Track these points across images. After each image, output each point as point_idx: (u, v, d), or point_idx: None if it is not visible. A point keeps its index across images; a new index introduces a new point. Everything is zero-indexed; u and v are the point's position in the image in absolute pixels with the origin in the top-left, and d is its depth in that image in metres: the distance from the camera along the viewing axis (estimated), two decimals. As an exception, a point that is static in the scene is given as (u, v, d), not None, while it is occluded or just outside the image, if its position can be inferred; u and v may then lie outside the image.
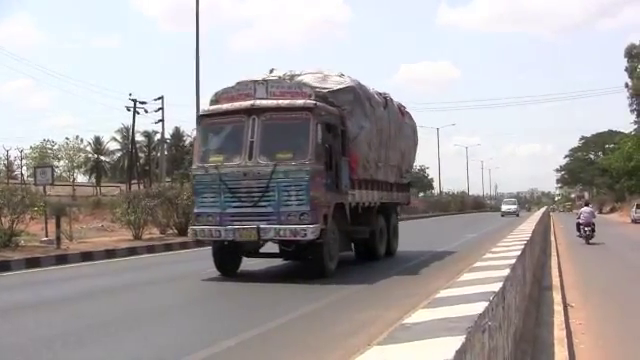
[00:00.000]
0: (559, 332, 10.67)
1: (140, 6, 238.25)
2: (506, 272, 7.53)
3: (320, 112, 18.89)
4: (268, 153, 18.60)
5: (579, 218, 39.03)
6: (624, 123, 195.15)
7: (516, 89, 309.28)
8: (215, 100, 20.05)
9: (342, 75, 21.51)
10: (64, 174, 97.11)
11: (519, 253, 10.65)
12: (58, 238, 27.57)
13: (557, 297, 14.61)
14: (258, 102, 18.96)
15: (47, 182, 30.97)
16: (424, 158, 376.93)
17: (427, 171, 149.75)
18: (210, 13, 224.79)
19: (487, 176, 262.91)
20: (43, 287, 18.67)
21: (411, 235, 37.80)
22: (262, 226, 18.12)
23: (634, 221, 64.62)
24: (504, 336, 6.45)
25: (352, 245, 23.18)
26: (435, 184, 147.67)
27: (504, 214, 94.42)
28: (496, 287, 6.19)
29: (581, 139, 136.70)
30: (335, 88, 20.62)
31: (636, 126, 72.21)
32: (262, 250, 20.95)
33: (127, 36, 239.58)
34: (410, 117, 28.77)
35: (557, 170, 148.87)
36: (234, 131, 19.30)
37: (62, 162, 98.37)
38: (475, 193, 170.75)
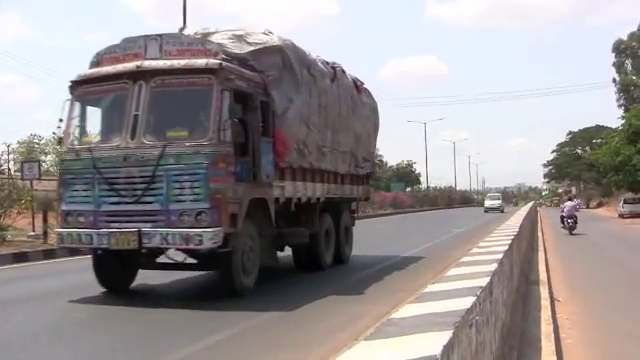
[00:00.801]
0: (546, 327, 10.71)
1: (129, 1, 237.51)
2: (493, 267, 7.54)
3: (228, 75, 14.41)
4: (157, 131, 14.37)
5: (563, 211, 43.30)
6: (611, 118, 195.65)
7: (504, 84, 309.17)
8: (96, 62, 15.34)
9: (269, 33, 17.08)
10: (51, 169, 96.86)
11: (506, 248, 10.69)
12: (45, 233, 27.47)
13: (544, 292, 14.65)
14: (147, 63, 14.59)
15: (34, 177, 30.67)
16: (411, 153, 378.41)
17: (414, 166, 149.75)
18: (197, 7, 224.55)
19: (474, 171, 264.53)
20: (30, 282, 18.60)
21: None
22: (145, 229, 13.69)
23: (621, 216, 64.96)
24: (491, 331, 6.46)
25: (291, 252, 19.69)
26: (422, 179, 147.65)
27: (487, 210, 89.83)
28: (483, 282, 6.20)
29: (568, 134, 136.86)
30: (257, 48, 16.46)
31: (623, 121, 72.12)
32: (164, 258, 15.82)
33: (115, 31, 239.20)
34: (369, 95, 23.96)
35: (544, 165, 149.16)
36: (115, 102, 15.11)
37: (49, 157, 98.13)
38: (462, 188, 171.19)
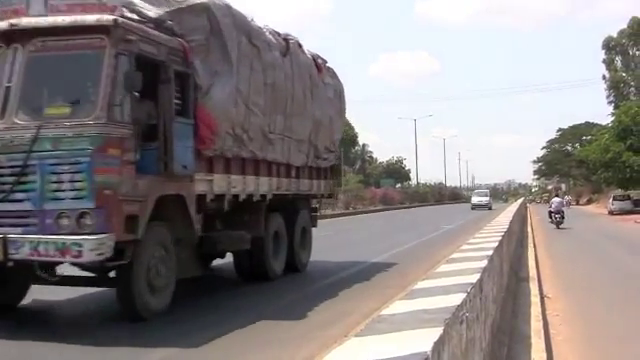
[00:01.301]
0: (536, 323, 10.73)
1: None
2: (483, 263, 7.55)
3: (126, 36, 11.44)
4: (34, 107, 11.49)
5: (551, 207, 46.47)
6: (601, 115, 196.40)
7: (494, 80, 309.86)
8: None
9: None
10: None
11: (496, 244, 10.69)
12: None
13: (534, 288, 14.68)
14: (25, 21, 11.46)
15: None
16: (401, 149, 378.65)
17: (404, 162, 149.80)
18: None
19: (464, 167, 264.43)
20: None
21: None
22: (12, 236, 10.62)
23: (610, 213, 65.08)
24: (481, 327, 6.47)
25: (232, 259, 17.15)
26: (412, 175, 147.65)
27: (475, 207, 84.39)
28: (474, 278, 6.20)
29: (558, 131, 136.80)
30: (177, 7, 13.22)
31: (613, 118, 72.32)
32: (65, 270, 12.64)
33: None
34: (333, 75, 20.77)
35: (534, 162, 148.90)
36: None
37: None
38: (452, 184, 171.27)
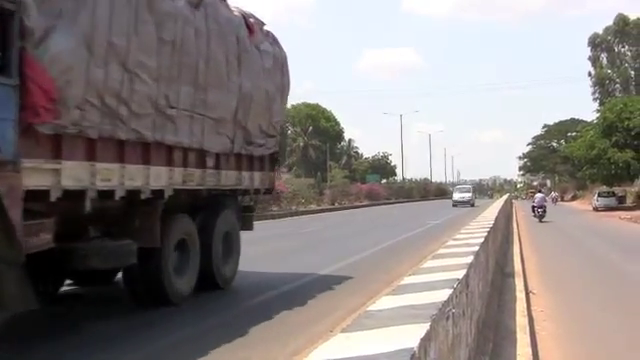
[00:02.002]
0: (521, 319, 10.75)
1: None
2: (469, 259, 7.55)
3: None
4: None
5: (534, 202, 50.06)
6: (587, 111, 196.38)
7: (480, 76, 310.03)
8: None
9: None
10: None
11: (482, 240, 10.70)
12: None
13: (519, 284, 14.71)
14: None
15: None
16: (387, 144, 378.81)
17: (390, 158, 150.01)
18: None
19: (450, 163, 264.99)
20: None
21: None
22: None
23: (595, 209, 65.38)
24: (467, 323, 6.48)
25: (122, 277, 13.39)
26: (398, 171, 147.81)
27: (456, 204, 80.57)
28: (460, 274, 6.20)
29: (544, 127, 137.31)
30: None
31: (598, 114, 72.59)
32: None
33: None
34: (274, 42, 17.21)
35: (519, 158, 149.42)
36: None
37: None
38: (438, 180, 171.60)
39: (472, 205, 78.12)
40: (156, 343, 10.06)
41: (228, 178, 15.08)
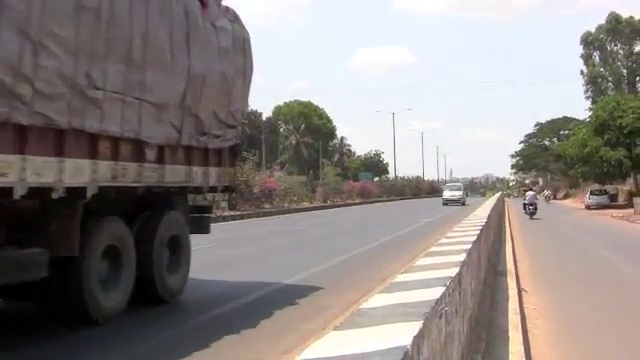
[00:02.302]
0: (513, 317, 10.75)
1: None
2: (462, 257, 7.54)
3: None
4: None
5: (525, 200, 52.06)
6: (579, 110, 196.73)
7: (472, 75, 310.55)
8: None
9: None
10: None
11: (475, 238, 10.70)
12: None
13: (511, 282, 14.72)
14: None
15: None
16: (379, 142, 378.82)
17: (383, 156, 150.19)
18: None
19: (442, 161, 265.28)
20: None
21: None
22: None
23: (587, 207, 65.57)
24: (460, 321, 6.47)
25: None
26: (390, 169, 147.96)
27: (447, 202, 77.28)
28: (452, 272, 6.19)
29: (536, 125, 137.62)
30: None
31: (591, 113, 72.73)
32: None
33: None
34: (235, 18, 15.19)
35: (512, 156, 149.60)
36: None
37: None
38: (430, 178, 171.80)
39: (463, 204, 76.07)
40: (146, 342, 10.05)
41: (175, 174, 12.80)
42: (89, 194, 10.35)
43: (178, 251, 13.64)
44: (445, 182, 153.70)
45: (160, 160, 12.21)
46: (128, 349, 9.58)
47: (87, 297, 10.69)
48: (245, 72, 15.27)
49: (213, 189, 15.34)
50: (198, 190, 14.73)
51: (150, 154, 11.91)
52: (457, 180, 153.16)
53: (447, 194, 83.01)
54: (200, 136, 13.55)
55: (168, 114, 12.23)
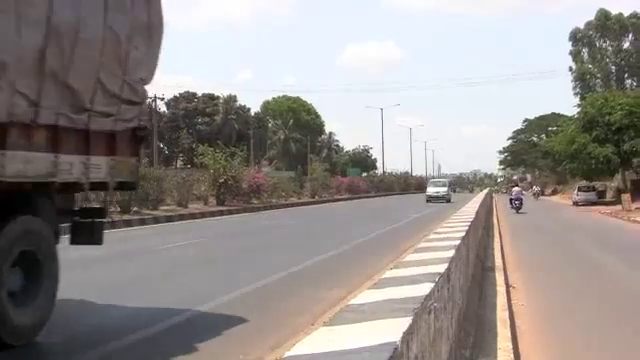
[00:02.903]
0: (502, 313, 10.78)
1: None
2: (451, 253, 7.55)
3: None
4: None
5: (511, 195, 55.94)
6: (567, 106, 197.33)
7: (461, 71, 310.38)
8: None
9: None
10: None
11: (463, 234, 10.71)
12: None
13: (500, 278, 14.75)
14: None
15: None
16: (368, 138, 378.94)
17: (371, 151, 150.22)
18: None
19: (430, 157, 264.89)
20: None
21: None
22: None
23: (575, 204, 65.74)
24: (448, 317, 6.48)
25: None
26: (379, 164, 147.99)
27: (430, 199, 72.35)
28: (441, 268, 6.20)
29: (524, 121, 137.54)
30: None
31: (579, 109, 72.81)
32: None
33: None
34: None
35: (500, 152, 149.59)
36: None
37: None
38: (419, 174, 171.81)
39: (448, 201, 70.81)
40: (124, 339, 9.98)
41: (25, 164, 9.08)
42: None
43: (34, 273, 9.76)
44: (433, 178, 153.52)
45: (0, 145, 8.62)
46: None
47: None
48: (150, 31, 11.56)
49: (102, 186, 11.49)
50: (74, 188, 10.74)
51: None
52: (445, 176, 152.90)
53: (431, 190, 77.18)
54: (75, 113, 9.94)
55: (8, 78, 8.56)
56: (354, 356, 3.13)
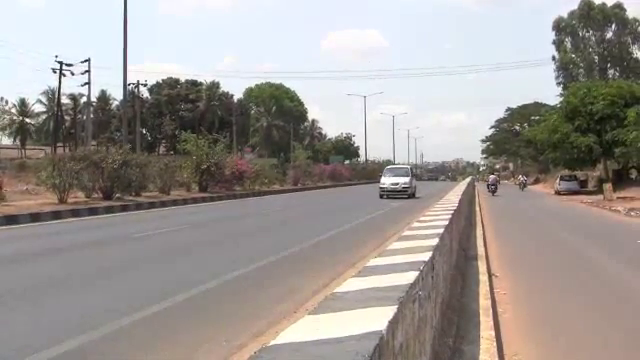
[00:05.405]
0: (484, 301, 10.79)
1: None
2: (435, 241, 7.54)
3: None
4: None
5: (488, 181, 70.73)
6: (550, 95, 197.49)
7: (444, 59, 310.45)
8: None
9: None
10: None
11: (447, 223, 10.71)
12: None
13: (482, 267, 14.76)
14: None
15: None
16: (351, 126, 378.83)
17: (354, 139, 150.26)
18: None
19: (413, 145, 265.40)
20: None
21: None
22: None
23: (557, 193, 65.99)
24: (432, 305, 6.48)
25: None
26: (361, 152, 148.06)
27: (384, 194, 52.36)
28: (426, 257, 6.18)
29: (507, 110, 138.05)
30: None
31: (562, 99, 73.01)
32: None
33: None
34: None
35: (483, 140, 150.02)
36: None
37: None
38: (401, 162, 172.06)
39: (410, 196, 53.15)
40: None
41: None
42: None
43: None
44: (416, 166, 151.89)
45: None
46: None
47: None
48: None
49: None
50: None
51: None
52: (428, 164, 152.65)
53: (387, 182, 54.72)
54: None
55: None
56: (340, 345, 3.10)
